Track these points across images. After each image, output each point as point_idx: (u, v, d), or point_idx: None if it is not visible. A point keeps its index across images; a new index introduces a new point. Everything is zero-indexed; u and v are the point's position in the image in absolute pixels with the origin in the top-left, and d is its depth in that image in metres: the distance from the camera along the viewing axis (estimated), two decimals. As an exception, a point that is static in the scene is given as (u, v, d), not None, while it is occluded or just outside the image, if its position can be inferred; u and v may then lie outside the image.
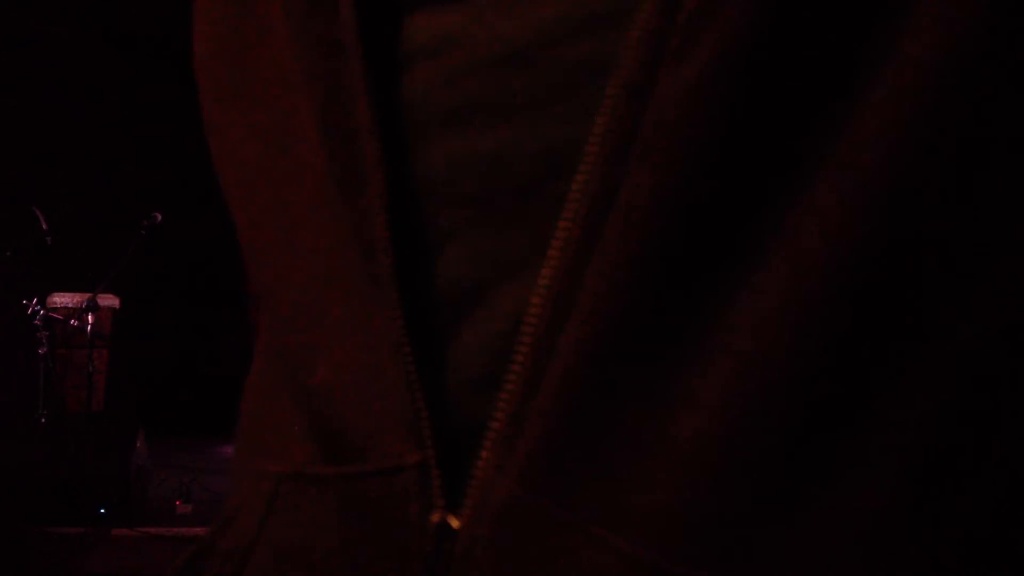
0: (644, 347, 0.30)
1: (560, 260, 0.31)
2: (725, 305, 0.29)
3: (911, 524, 0.29)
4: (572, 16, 0.32)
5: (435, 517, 0.34)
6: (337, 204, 0.36)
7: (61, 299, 5.06)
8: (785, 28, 0.28)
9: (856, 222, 0.28)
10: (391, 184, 0.35)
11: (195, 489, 4.25)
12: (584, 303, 0.30)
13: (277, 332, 0.41)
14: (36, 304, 4.55)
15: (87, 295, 4.75)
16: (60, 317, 4.77)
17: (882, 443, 0.29)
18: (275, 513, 0.40)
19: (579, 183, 0.31)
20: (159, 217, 4.64)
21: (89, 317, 4.64)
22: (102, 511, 3.85)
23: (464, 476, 0.34)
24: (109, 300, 5.20)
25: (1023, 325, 0.28)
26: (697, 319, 0.29)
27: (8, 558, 3.55)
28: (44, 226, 4.60)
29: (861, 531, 0.29)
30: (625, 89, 0.30)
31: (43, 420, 4.40)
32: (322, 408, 0.38)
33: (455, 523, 0.34)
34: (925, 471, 0.29)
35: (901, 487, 0.29)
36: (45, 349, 4.53)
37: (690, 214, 0.29)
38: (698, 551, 0.29)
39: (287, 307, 0.39)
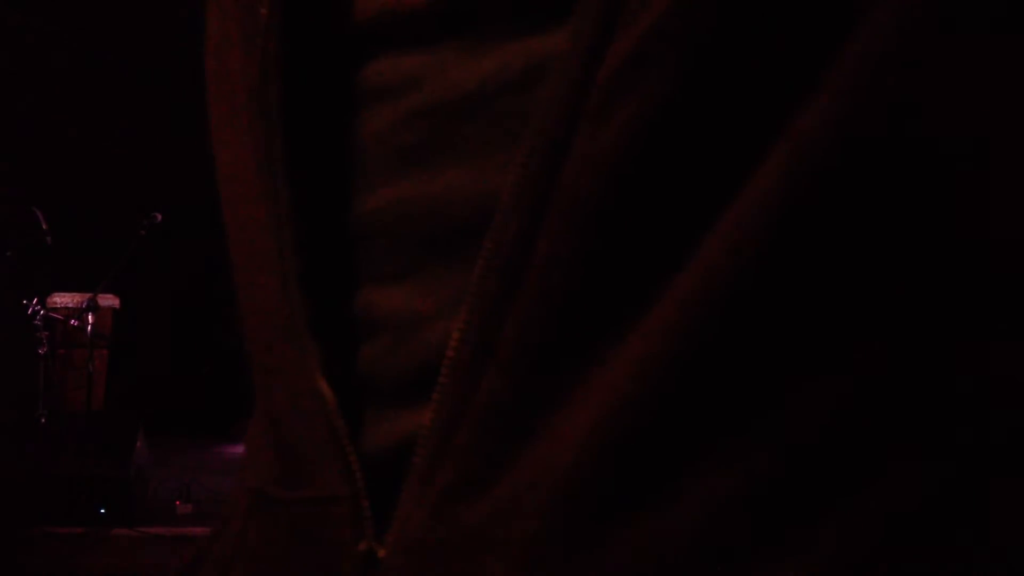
0: (550, 398, 0.32)
1: (475, 309, 0.33)
2: (611, 349, 0.31)
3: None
4: (512, 67, 0.33)
5: (362, 546, 0.36)
6: (268, 234, 0.38)
7: (61, 299, 5.06)
8: (697, 99, 0.29)
9: (737, 278, 0.30)
10: (326, 223, 0.38)
11: (195, 489, 4.26)
12: (502, 353, 0.32)
13: (250, 349, 0.43)
14: (36, 304, 4.55)
15: (87, 295, 4.76)
16: (60, 317, 4.77)
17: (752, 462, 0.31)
18: (249, 528, 0.43)
19: (494, 234, 0.32)
20: (159, 217, 4.64)
21: (89, 317, 4.65)
22: (102, 511, 3.86)
23: (391, 507, 0.36)
24: (109, 300, 5.21)
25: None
26: (590, 366, 0.32)
27: (8, 558, 3.56)
28: (44, 226, 4.60)
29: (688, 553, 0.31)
30: (542, 146, 0.31)
31: (43, 420, 4.40)
32: (278, 431, 0.40)
33: (381, 553, 0.36)
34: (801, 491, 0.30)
35: (778, 505, 0.30)
36: (45, 349, 4.54)
37: (595, 273, 0.31)
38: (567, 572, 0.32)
39: (250, 328, 0.42)
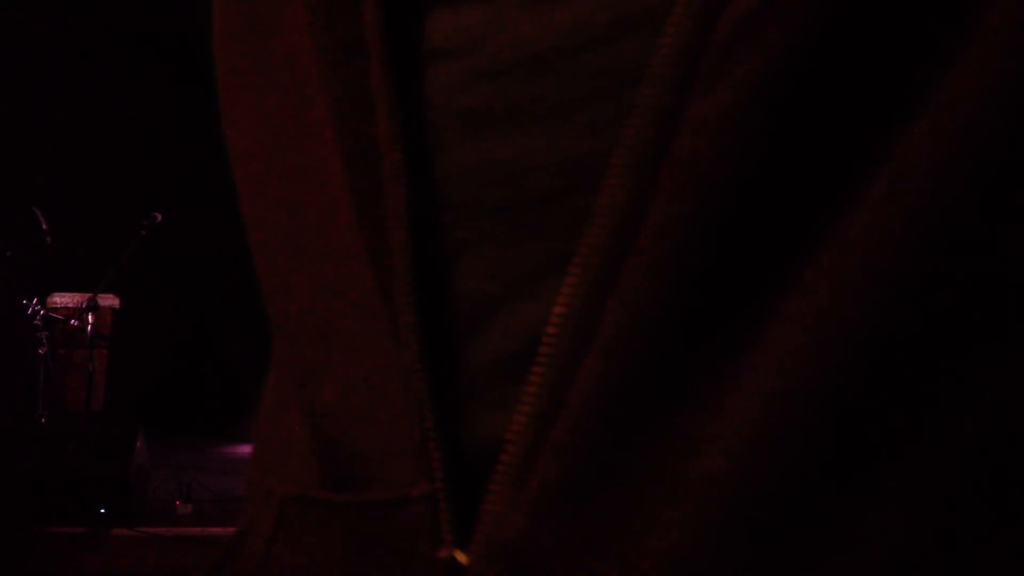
0: (665, 384, 0.29)
1: (580, 286, 0.29)
2: (749, 342, 0.28)
3: (929, 570, 0.28)
4: (596, 21, 0.30)
5: (442, 553, 0.33)
6: (351, 212, 0.34)
7: (61, 299, 5.06)
8: (824, 56, 0.27)
9: (895, 260, 0.26)
10: (409, 195, 0.34)
11: (195, 489, 4.25)
12: (605, 334, 0.29)
13: (285, 342, 0.40)
14: (36, 304, 4.55)
15: (87, 295, 4.75)
16: (60, 317, 4.77)
17: (902, 489, 0.27)
18: (281, 537, 0.39)
19: (602, 205, 0.29)
20: (159, 217, 4.63)
21: (89, 317, 4.64)
22: (102, 511, 3.85)
23: (473, 508, 0.32)
24: (109, 300, 5.20)
25: None
26: (720, 356, 0.28)
27: (8, 558, 3.55)
28: (44, 226, 4.59)
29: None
30: (654, 109, 0.28)
31: (43, 420, 4.40)
32: (328, 429, 0.36)
33: (463, 559, 0.32)
34: (945, 516, 0.28)
35: (919, 533, 0.28)
36: (45, 349, 4.53)
37: (722, 245, 0.28)
38: None
39: (294, 316, 0.38)
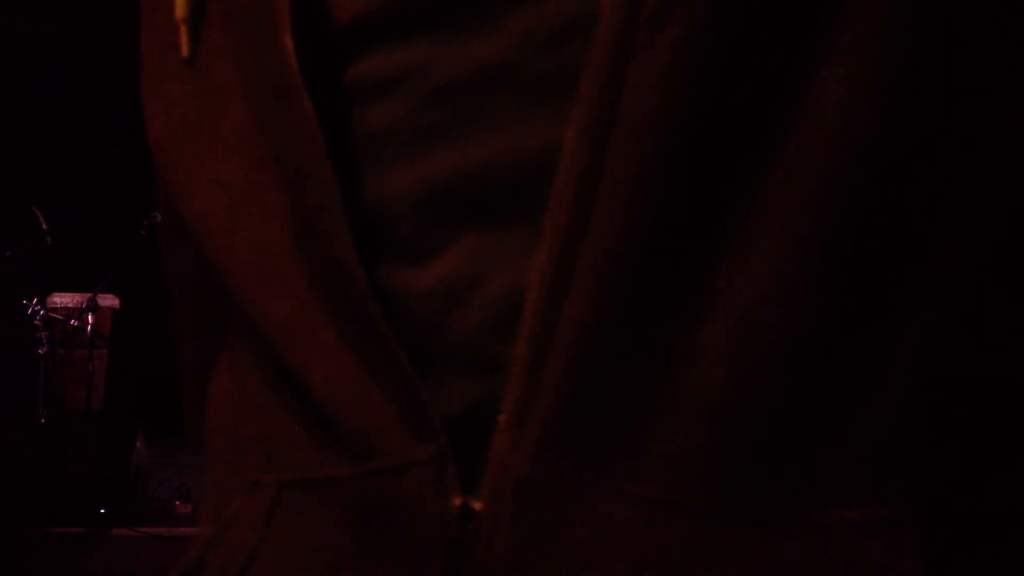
0: (646, 309, 0.31)
1: (553, 239, 0.32)
2: (722, 261, 0.31)
3: (918, 458, 0.30)
4: (538, 32, 0.33)
5: (456, 502, 0.35)
6: (305, 237, 0.38)
7: (61, 299, 5.06)
8: (745, 11, 0.30)
9: (841, 171, 0.29)
10: (359, 203, 0.37)
11: (195, 489, 4.25)
12: (583, 276, 0.31)
13: (263, 352, 0.42)
14: (36, 304, 4.55)
15: (87, 295, 4.75)
16: (60, 317, 4.77)
17: (886, 378, 0.30)
18: (277, 522, 0.40)
19: (563, 168, 0.32)
20: (159, 217, 4.63)
21: (89, 317, 4.64)
22: (102, 511, 3.85)
23: (477, 460, 0.34)
24: (109, 300, 5.20)
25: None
26: (696, 277, 0.31)
27: (8, 558, 3.55)
28: (44, 226, 4.59)
29: (868, 465, 0.30)
30: (598, 85, 0.31)
31: (43, 420, 4.40)
32: (320, 417, 0.39)
33: (477, 505, 0.34)
34: (930, 403, 0.30)
35: (906, 419, 0.30)
36: (45, 349, 4.53)
37: (675, 184, 0.31)
38: (715, 489, 0.31)
39: (272, 336, 0.40)
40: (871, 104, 0.29)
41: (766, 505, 0.30)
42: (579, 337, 0.32)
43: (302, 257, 0.38)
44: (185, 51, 0.40)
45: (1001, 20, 0.28)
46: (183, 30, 0.40)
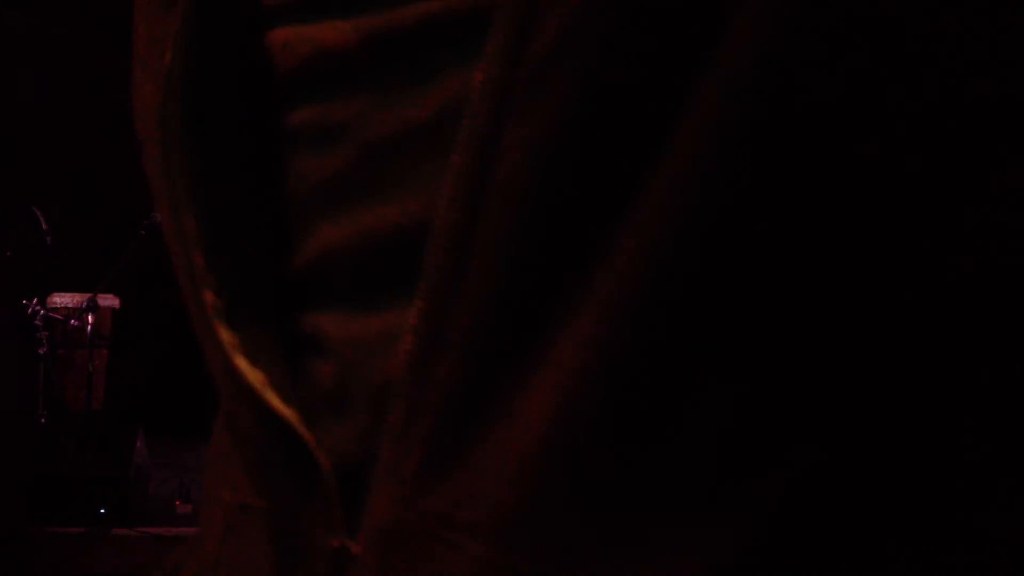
0: (499, 377, 0.33)
1: (426, 300, 0.34)
2: (557, 329, 0.32)
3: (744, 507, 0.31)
4: (428, 106, 0.35)
5: (335, 542, 0.38)
6: (186, 265, 0.42)
7: (61, 299, 5.06)
8: (604, 100, 0.31)
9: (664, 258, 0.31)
10: (298, 247, 0.40)
11: (195, 489, 4.25)
12: (453, 344, 0.34)
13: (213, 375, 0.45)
14: (36, 304, 4.55)
15: (87, 295, 4.76)
16: (60, 317, 4.77)
17: (696, 445, 0.31)
18: (228, 542, 0.44)
19: (438, 229, 0.34)
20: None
21: (89, 317, 4.65)
22: (102, 511, 3.85)
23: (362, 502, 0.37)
24: (109, 300, 5.20)
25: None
26: (535, 343, 0.32)
27: (8, 558, 3.56)
28: (44, 226, 4.60)
29: (708, 535, 0.31)
30: (478, 138, 0.32)
31: (43, 420, 4.40)
32: (248, 448, 0.42)
33: (354, 548, 0.37)
34: (744, 465, 0.31)
35: (746, 482, 0.31)
36: (45, 349, 4.54)
37: (533, 256, 0.32)
38: (541, 552, 0.32)
39: (207, 355, 0.44)
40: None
41: (591, 571, 0.32)
42: (447, 399, 0.34)
43: (194, 292, 0.42)
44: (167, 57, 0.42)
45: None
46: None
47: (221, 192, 0.41)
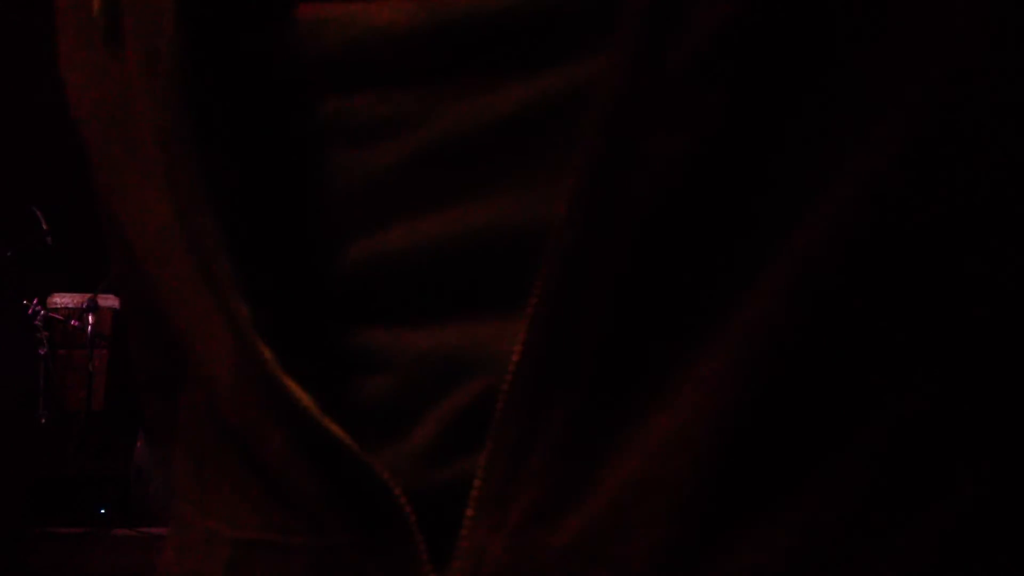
0: (625, 404, 0.30)
1: (538, 321, 0.31)
2: (693, 353, 0.30)
3: (892, 531, 0.30)
4: (537, 100, 0.31)
5: None
6: (200, 271, 0.35)
7: (61, 299, 5.05)
8: (759, 114, 0.28)
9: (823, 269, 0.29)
10: (336, 256, 0.35)
11: (195, 489, 4.25)
12: (570, 368, 0.30)
13: (213, 408, 0.39)
14: (36, 304, 4.55)
15: (87, 295, 4.75)
16: (60, 317, 4.77)
17: (859, 454, 0.30)
18: None
19: (553, 247, 0.30)
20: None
21: (89, 317, 4.65)
22: (102, 511, 3.85)
23: (446, 535, 0.33)
24: (109, 300, 5.20)
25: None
26: (670, 370, 0.30)
27: (8, 558, 3.55)
28: (44, 226, 4.59)
29: (839, 541, 0.30)
30: (593, 161, 0.29)
31: (43, 420, 4.40)
32: (279, 478, 0.36)
33: None
34: (906, 479, 0.30)
35: (879, 495, 0.30)
36: (45, 349, 4.53)
37: (668, 275, 0.30)
38: None
39: (217, 393, 0.38)
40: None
41: None
42: (567, 430, 0.31)
43: (219, 304, 0.35)
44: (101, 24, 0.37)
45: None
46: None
47: (242, 193, 0.35)
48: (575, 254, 0.30)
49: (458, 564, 0.32)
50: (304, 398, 0.34)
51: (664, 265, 0.30)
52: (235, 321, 0.34)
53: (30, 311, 4.51)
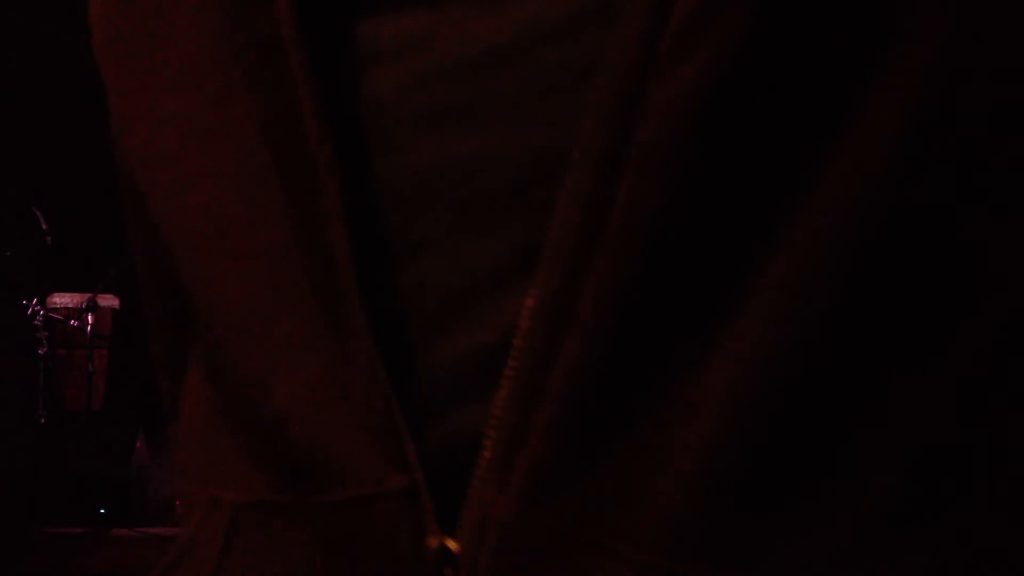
0: (646, 361, 0.29)
1: (552, 271, 0.30)
2: (726, 312, 0.29)
3: (913, 525, 0.29)
4: (552, 17, 0.31)
5: (432, 542, 0.32)
6: (286, 210, 0.34)
7: (61, 299, 5.06)
8: (782, 37, 0.27)
9: (860, 224, 0.28)
10: (352, 190, 0.33)
11: (195, 489, 4.25)
12: (583, 318, 0.29)
13: (215, 355, 0.38)
14: (36, 304, 4.54)
15: (87, 295, 4.75)
16: (60, 317, 4.76)
17: (882, 445, 0.29)
18: (235, 546, 0.38)
19: (568, 192, 0.29)
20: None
21: (89, 317, 4.64)
22: (102, 511, 3.85)
23: (453, 496, 0.32)
24: (109, 300, 5.20)
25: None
26: (697, 328, 0.29)
27: (8, 558, 3.55)
28: (44, 226, 4.59)
29: (863, 532, 0.29)
30: (615, 95, 0.29)
31: (43, 420, 4.40)
32: (282, 434, 0.35)
33: (454, 546, 0.32)
34: (925, 473, 0.29)
35: (901, 488, 0.29)
36: (45, 349, 4.53)
37: (692, 227, 0.29)
38: (709, 554, 0.29)
39: (225, 325, 0.37)
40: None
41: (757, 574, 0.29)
42: (576, 380, 0.30)
43: (276, 234, 0.34)
44: None
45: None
46: None
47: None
48: (591, 194, 0.29)
49: (465, 521, 0.32)
50: (369, 344, 0.33)
51: (686, 212, 0.28)
52: (320, 240, 0.33)
53: (30, 311, 4.51)
